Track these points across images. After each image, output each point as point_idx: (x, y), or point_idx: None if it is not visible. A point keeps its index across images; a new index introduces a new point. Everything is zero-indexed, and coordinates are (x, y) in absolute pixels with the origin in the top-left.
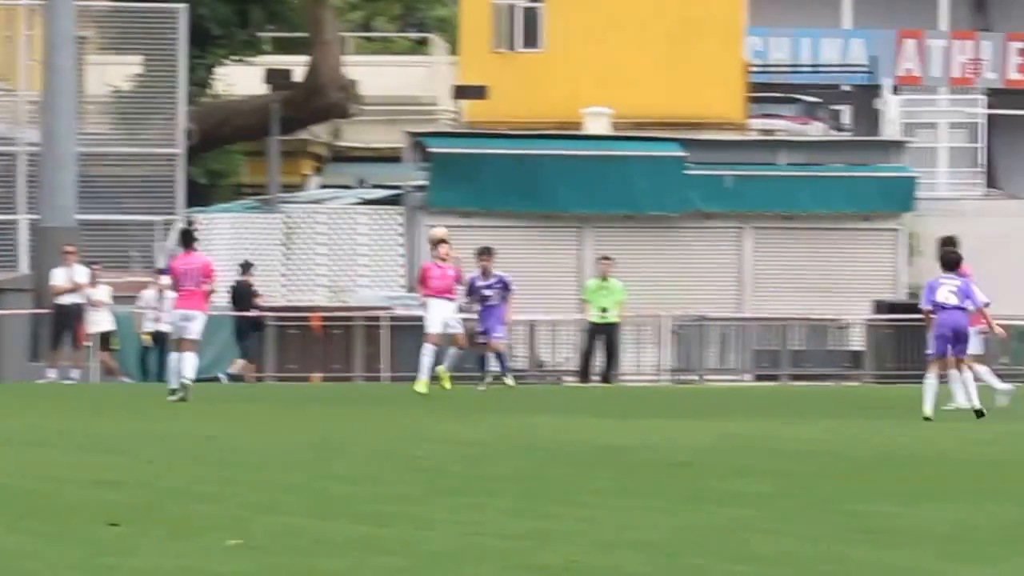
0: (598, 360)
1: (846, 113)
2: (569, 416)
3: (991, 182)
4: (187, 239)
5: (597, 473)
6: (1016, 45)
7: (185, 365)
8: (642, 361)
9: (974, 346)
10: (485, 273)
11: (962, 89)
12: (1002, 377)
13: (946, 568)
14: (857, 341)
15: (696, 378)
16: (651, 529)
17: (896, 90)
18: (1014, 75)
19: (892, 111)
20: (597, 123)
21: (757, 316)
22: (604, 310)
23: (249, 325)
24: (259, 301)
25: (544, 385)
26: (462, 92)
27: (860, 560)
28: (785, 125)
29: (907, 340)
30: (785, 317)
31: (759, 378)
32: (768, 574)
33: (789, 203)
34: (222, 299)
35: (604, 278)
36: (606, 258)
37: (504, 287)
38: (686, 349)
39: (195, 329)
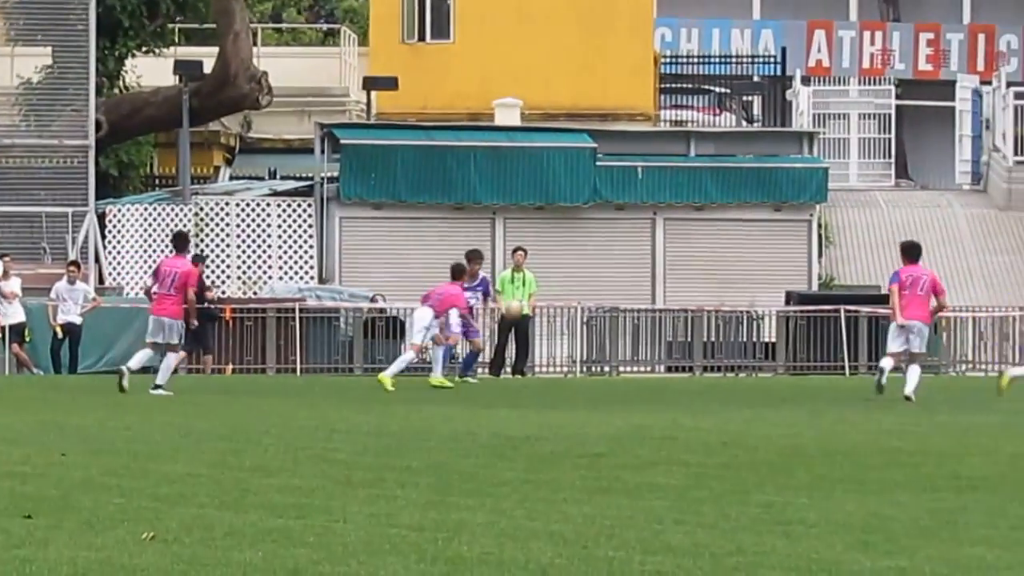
0: (510, 352)
1: (756, 104)
2: (481, 408)
3: (901, 172)
4: (179, 242)
5: (510, 465)
6: (926, 36)
7: (166, 365)
8: (554, 353)
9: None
10: (472, 276)
11: (872, 80)
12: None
13: (859, 559)
14: (769, 332)
15: (608, 369)
16: (564, 521)
17: (806, 81)
18: (924, 66)
19: (802, 102)
20: (508, 114)
21: (669, 307)
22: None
23: (202, 318)
24: (210, 294)
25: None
26: (372, 83)
27: (773, 551)
28: (696, 116)
29: (819, 331)
30: (697, 308)
31: (672, 369)
32: (681, 565)
33: (700, 194)
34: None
35: (517, 269)
36: (519, 250)
37: (485, 289)
38: (598, 340)
39: (171, 335)
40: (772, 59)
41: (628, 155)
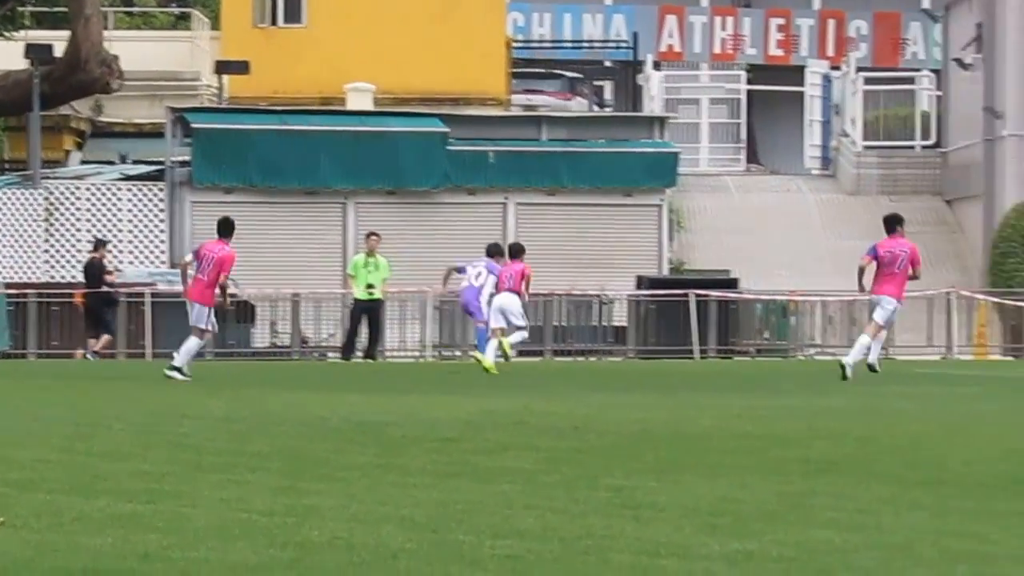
0: (362, 337)
1: (608, 89)
2: (332, 392)
3: (752, 157)
4: (225, 228)
5: (360, 449)
6: (776, 21)
7: (186, 348)
8: (406, 337)
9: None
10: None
11: (723, 65)
12: (761, 352)
13: (707, 542)
14: (620, 316)
15: (460, 354)
16: (414, 505)
17: (658, 66)
18: (775, 51)
19: (654, 87)
20: (360, 99)
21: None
22: (370, 287)
23: (102, 301)
24: (111, 278)
25: (308, 361)
26: (224, 67)
27: (622, 535)
28: (548, 101)
29: (669, 315)
30: (549, 292)
31: (523, 354)
32: (531, 549)
33: (552, 178)
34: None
35: (371, 254)
36: (373, 234)
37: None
38: (450, 325)
39: (199, 319)
40: (624, 44)
41: (480, 140)
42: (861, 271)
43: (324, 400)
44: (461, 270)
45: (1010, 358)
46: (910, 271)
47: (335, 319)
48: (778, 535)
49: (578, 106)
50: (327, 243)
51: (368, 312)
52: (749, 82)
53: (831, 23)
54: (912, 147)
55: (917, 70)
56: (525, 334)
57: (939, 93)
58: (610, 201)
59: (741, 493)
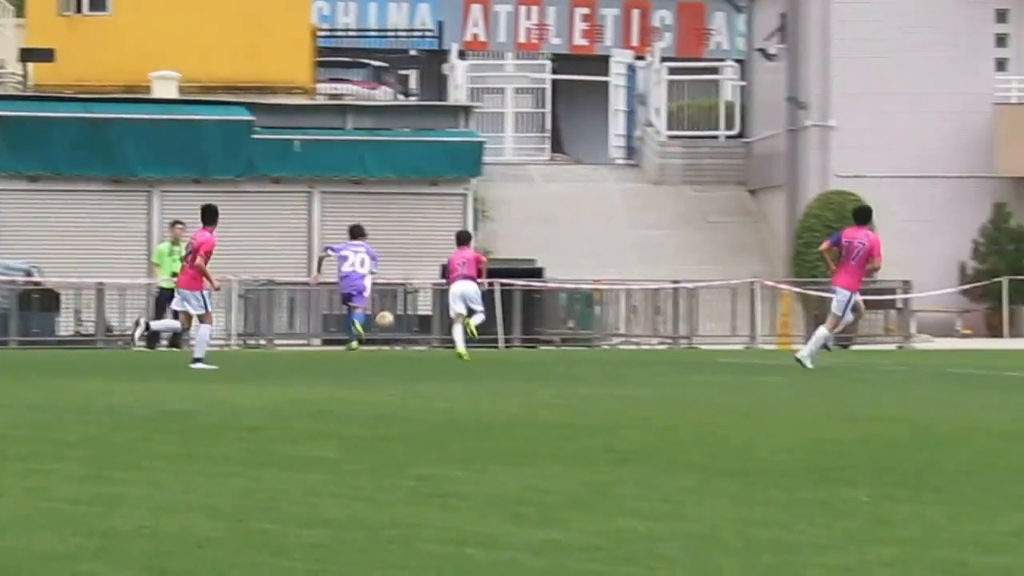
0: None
1: (414, 78)
2: (138, 381)
3: (556, 147)
4: (208, 215)
5: (165, 438)
6: (581, 11)
7: (199, 338)
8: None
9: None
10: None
11: (528, 54)
12: (566, 341)
13: (513, 531)
14: (425, 306)
15: (265, 343)
16: (219, 494)
17: (463, 55)
18: (579, 40)
19: (459, 76)
20: (165, 87)
21: (325, 280)
22: (175, 275)
23: None
24: None
25: (112, 350)
26: (28, 55)
27: (428, 524)
28: (353, 90)
29: None
30: None
31: (328, 343)
32: (338, 538)
33: (358, 168)
34: None
35: (175, 243)
36: (178, 223)
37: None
38: (254, 314)
39: (191, 306)
40: (429, 33)
41: (285, 129)
42: (821, 255)
43: (129, 389)
44: (335, 249)
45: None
46: (870, 263)
47: (140, 308)
48: (584, 524)
49: (383, 95)
50: (132, 231)
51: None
52: (554, 72)
53: (635, 13)
54: (716, 137)
55: (721, 60)
56: (483, 317)
57: (743, 83)
58: (415, 190)
59: (547, 482)
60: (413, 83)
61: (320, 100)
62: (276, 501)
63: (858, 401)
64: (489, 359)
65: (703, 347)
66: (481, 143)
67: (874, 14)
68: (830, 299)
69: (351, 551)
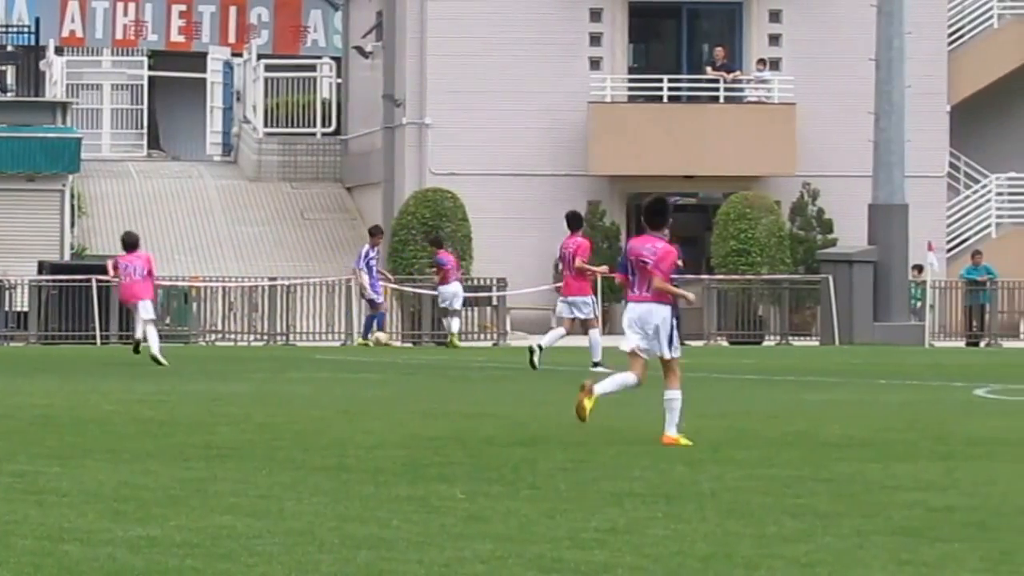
0: None
1: (10, 74)
2: None
3: (154, 143)
4: (128, 242)
5: None
6: (178, 8)
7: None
8: None
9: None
10: None
11: (125, 51)
12: (163, 338)
13: (111, 527)
14: (22, 302)
15: None
16: None
17: (60, 51)
18: (176, 37)
19: (56, 72)
20: None
21: None
22: None
23: None
24: None
25: None
26: None
27: (25, 520)
28: None
29: (71, 301)
30: None
31: None
32: None
33: None
34: None
35: None
36: None
37: None
38: None
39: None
40: (26, 29)
41: None
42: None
43: None
44: None
45: (409, 344)
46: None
47: None
48: (181, 520)
49: None
50: None
51: None
52: (151, 68)
53: (233, 10)
54: (313, 134)
55: (318, 58)
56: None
57: (340, 80)
58: (11, 186)
59: (144, 478)
60: (10, 79)
61: None
62: None
63: (454, 398)
64: (86, 355)
65: (300, 344)
66: (78, 139)
67: (471, 13)
68: (433, 296)
69: None
